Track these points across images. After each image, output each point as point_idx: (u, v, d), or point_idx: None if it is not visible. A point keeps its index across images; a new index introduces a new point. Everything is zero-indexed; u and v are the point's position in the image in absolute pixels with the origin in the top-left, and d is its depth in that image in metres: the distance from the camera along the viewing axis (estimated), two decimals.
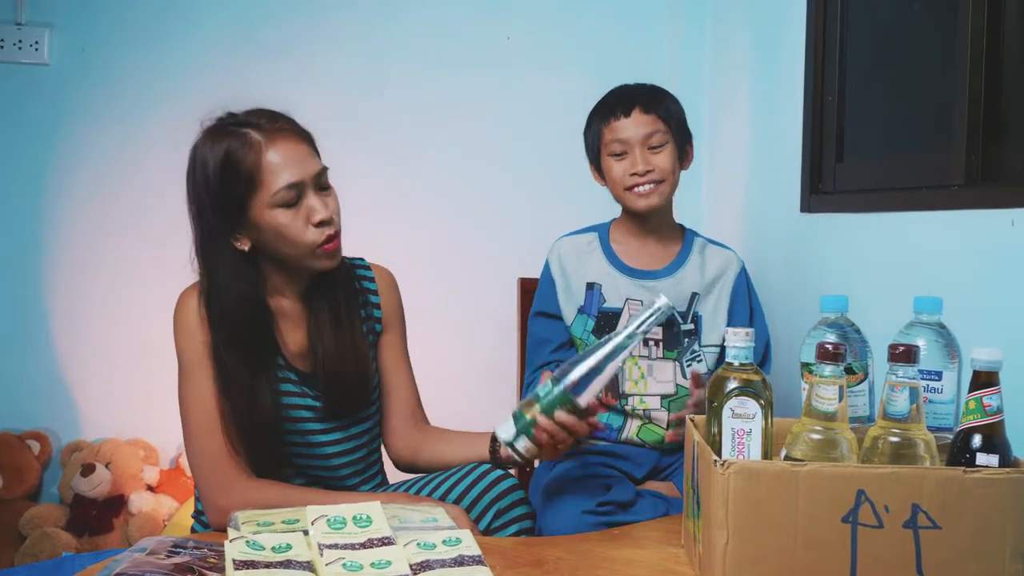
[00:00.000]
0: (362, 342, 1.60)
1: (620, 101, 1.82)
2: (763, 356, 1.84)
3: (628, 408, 1.82)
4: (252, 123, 1.46)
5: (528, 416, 1.39)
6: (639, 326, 1.38)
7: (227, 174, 1.44)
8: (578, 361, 1.39)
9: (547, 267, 1.90)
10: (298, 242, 1.46)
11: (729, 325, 1.83)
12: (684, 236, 1.91)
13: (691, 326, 1.84)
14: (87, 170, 2.69)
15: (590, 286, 1.85)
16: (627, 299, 1.84)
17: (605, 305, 1.84)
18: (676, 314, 1.83)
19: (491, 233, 2.82)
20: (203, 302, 1.48)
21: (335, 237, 1.49)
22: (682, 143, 1.83)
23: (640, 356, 1.83)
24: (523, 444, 1.40)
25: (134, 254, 2.70)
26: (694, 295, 1.85)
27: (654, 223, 1.87)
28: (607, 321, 1.84)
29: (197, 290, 1.50)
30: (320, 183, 1.49)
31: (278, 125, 1.47)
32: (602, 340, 1.40)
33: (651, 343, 1.83)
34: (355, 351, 1.57)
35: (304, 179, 1.45)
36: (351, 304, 1.61)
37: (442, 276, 2.78)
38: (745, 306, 1.86)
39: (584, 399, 1.38)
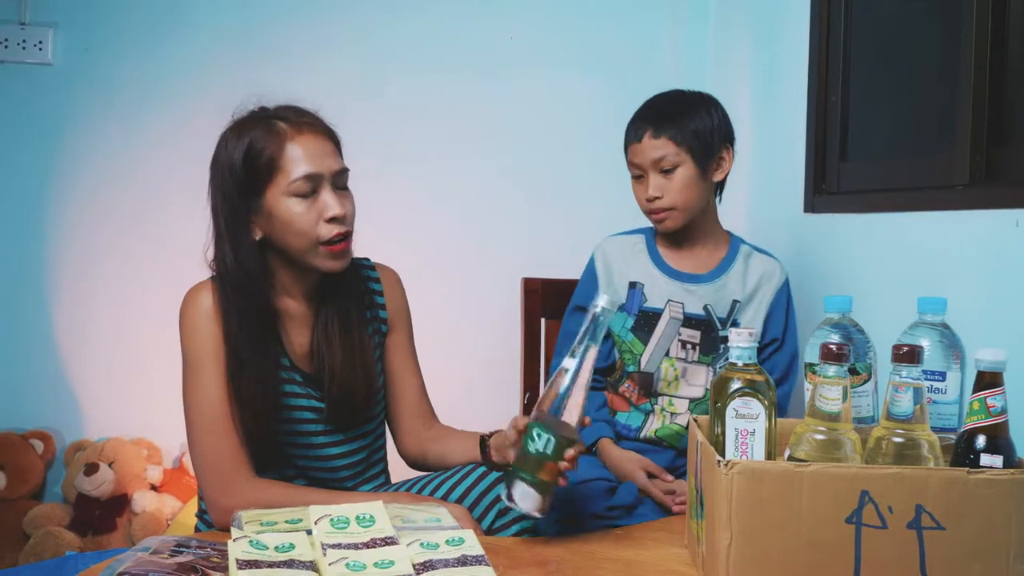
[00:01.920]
0: (370, 353, 1.60)
1: (636, 122, 1.82)
2: (787, 370, 1.83)
3: (657, 407, 1.84)
4: (280, 115, 1.50)
5: (546, 478, 1.28)
6: (585, 336, 1.29)
7: (250, 159, 1.46)
8: (555, 405, 1.28)
9: (592, 263, 1.91)
10: (307, 235, 1.46)
11: (763, 336, 1.83)
12: (731, 242, 1.90)
13: (728, 333, 1.82)
14: (90, 170, 2.69)
15: (632, 285, 1.86)
16: (668, 300, 1.83)
17: (646, 305, 1.84)
18: (716, 319, 1.83)
19: (493, 233, 2.82)
20: (218, 290, 1.48)
21: (345, 238, 1.49)
22: (707, 156, 1.79)
23: (677, 358, 1.83)
24: (549, 502, 1.31)
25: (137, 253, 2.70)
26: (735, 303, 1.84)
27: (696, 231, 1.85)
28: (647, 320, 1.83)
29: (205, 288, 1.50)
30: (338, 182, 1.49)
31: (305, 119, 1.50)
32: (559, 367, 1.31)
33: (688, 346, 1.83)
34: (363, 363, 1.57)
35: (322, 172, 1.46)
36: (360, 313, 1.60)
37: (445, 277, 2.78)
38: (781, 319, 1.85)
39: (576, 424, 1.29)
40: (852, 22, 2.08)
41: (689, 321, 1.83)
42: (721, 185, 1.87)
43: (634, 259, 1.88)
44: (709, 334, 1.83)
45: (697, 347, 1.83)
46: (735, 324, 1.83)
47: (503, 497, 1.30)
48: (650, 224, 1.91)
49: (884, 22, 2.04)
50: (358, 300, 1.61)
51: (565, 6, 2.83)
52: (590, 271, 1.91)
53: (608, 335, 1.85)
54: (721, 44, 2.74)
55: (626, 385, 1.86)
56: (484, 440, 1.56)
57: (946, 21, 1.76)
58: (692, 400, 1.84)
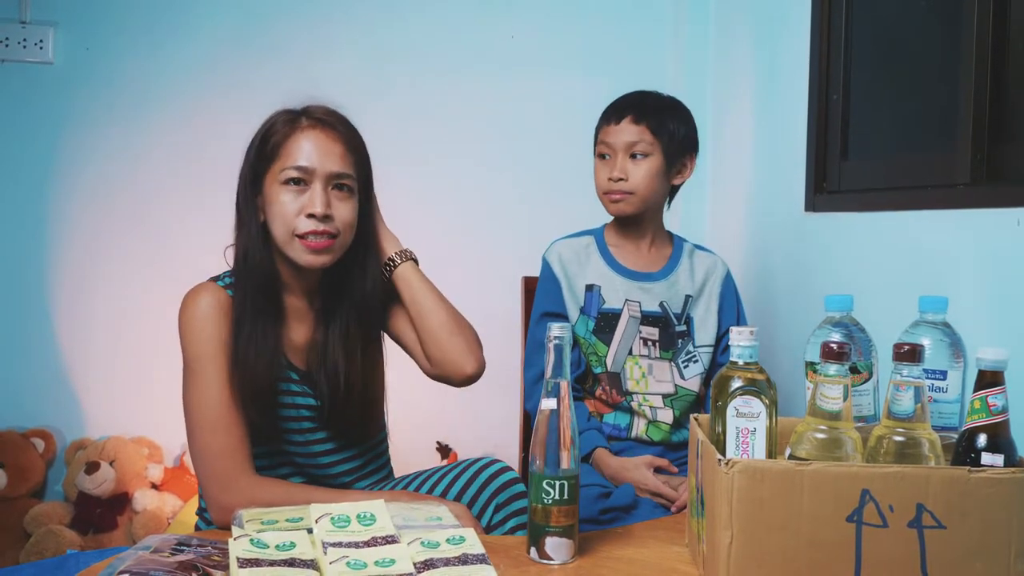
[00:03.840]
0: (369, 360, 1.59)
1: (617, 107, 1.88)
2: None
3: (635, 405, 1.86)
4: (308, 111, 1.52)
5: (570, 521, 1.26)
6: (554, 370, 1.26)
7: (263, 142, 1.50)
8: (552, 449, 1.25)
9: (547, 267, 1.92)
10: (286, 225, 1.47)
11: (719, 326, 1.90)
12: (674, 241, 1.96)
13: (684, 327, 1.89)
14: (91, 169, 2.69)
15: (589, 287, 1.89)
16: (626, 300, 1.87)
17: (605, 306, 1.88)
18: (671, 315, 1.88)
19: (494, 233, 2.82)
20: (231, 287, 1.50)
21: (323, 237, 1.46)
22: (674, 157, 1.87)
23: (641, 356, 1.86)
24: (578, 541, 1.29)
25: (137, 252, 2.71)
26: (687, 297, 1.90)
27: (645, 228, 1.92)
28: (607, 321, 1.86)
29: (203, 289, 1.50)
30: (337, 184, 1.49)
31: (327, 119, 1.51)
32: (540, 408, 1.26)
33: (649, 343, 1.87)
34: (363, 368, 1.56)
35: (315, 168, 1.47)
36: (363, 318, 1.58)
37: (445, 276, 2.73)
38: (733, 308, 1.93)
39: (575, 458, 1.27)
40: (853, 20, 2.07)
41: (647, 319, 1.88)
42: (674, 192, 1.94)
43: (588, 261, 1.92)
44: (667, 330, 1.88)
45: (657, 344, 1.87)
46: (689, 319, 1.90)
47: (535, 557, 1.26)
48: (597, 225, 1.97)
49: (885, 20, 2.04)
50: (363, 304, 1.59)
51: (566, 6, 2.83)
52: (549, 276, 1.92)
53: (575, 343, 1.87)
54: (722, 43, 2.74)
55: (601, 388, 1.88)
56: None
57: (947, 19, 1.76)
58: (665, 396, 1.87)
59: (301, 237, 1.46)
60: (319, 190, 1.46)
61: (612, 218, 1.95)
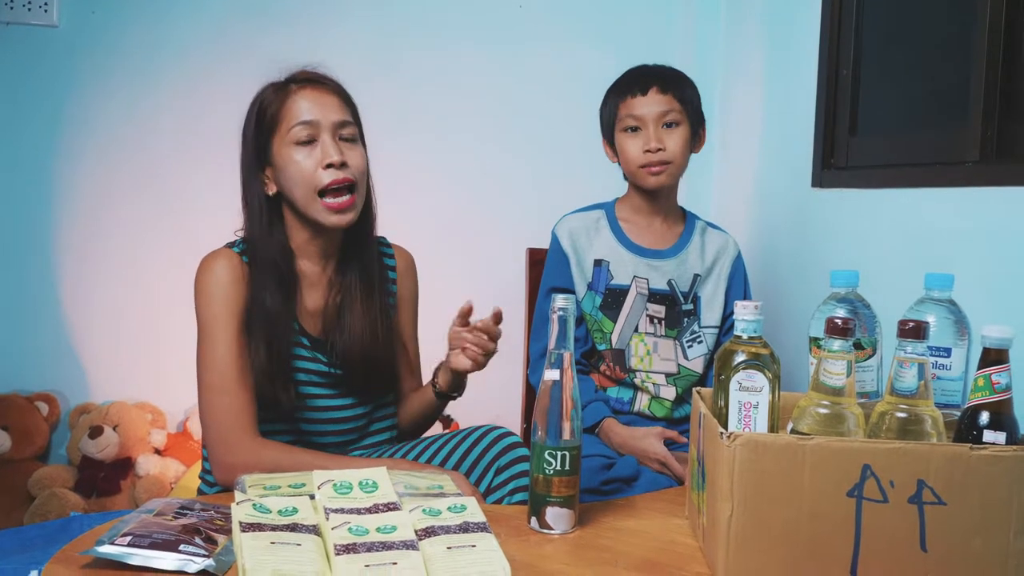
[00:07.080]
0: (386, 321, 1.62)
1: (638, 79, 1.84)
2: None
3: (638, 382, 1.86)
4: (292, 77, 1.55)
5: (571, 492, 1.27)
6: (557, 341, 1.26)
7: (259, 115, 1.52)
8: (554, 420, 1.25)
9: (556, 242, 1.91)
10: (307, 182, 1.48)
11: (726, 307, 1.88)
12: (686, 217, 1.94)
13: (691, 306, 1.88)
14: (95, 133, 2.68)
15: (598, 263, 1.88)
16: (634, 276, 1.86)
17: (613, 282, 1.87)
18: (679, 294, 1.86)
19: (500, 204, 2.81)
20: (241, 255, 1.52)
21: (345, 187, 1.49)
22: (695, 126, 1.85)
23: (646, 333, 1.86)
24: (578, 512, 1.30)
25: (142, 218, 2.70)
26: (696, 276, 1.88)
27: (661, 203, 1.89)
28: (615, 298, 1.85)
29: (219, 255, 1.51)
30: (342, 134, 1.52)
31: (315, 78, 1.55)
32: (543, 379, 1.27)
33: (655, 321, 1.86)
34: (381, 329, 1.59)
35: (320, 120, 1.50)
36: (380, 283, 1.62)
37: (452, 247, 2.77)
38: (740, 289, 1.91)
39: (577, 429, 1.28)
40: None
41: (654, 296, 1.86)
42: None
43: (597, 236, 1.89)
44: (673, 308, 1.87)
45: (663, 322, 1.86)
46: (696, 298, 1.88)
47: (536, 527, 1.27)
48: (602, 198, 1.95)
49: None
50: (378, 269, 1.64)
51: None
52: (557, 250, 1.90)
53: (581, 319, 1.87)
54: (732, 16, 2.72)
55: (605, 364, 1.88)
56: (433, 379, 1.65)
57: None
58: (668, 375, 1.86)
59: (323, 196, 1.48)
60: (329, 140, 1.49)
61: (623, 192, 1.93)
